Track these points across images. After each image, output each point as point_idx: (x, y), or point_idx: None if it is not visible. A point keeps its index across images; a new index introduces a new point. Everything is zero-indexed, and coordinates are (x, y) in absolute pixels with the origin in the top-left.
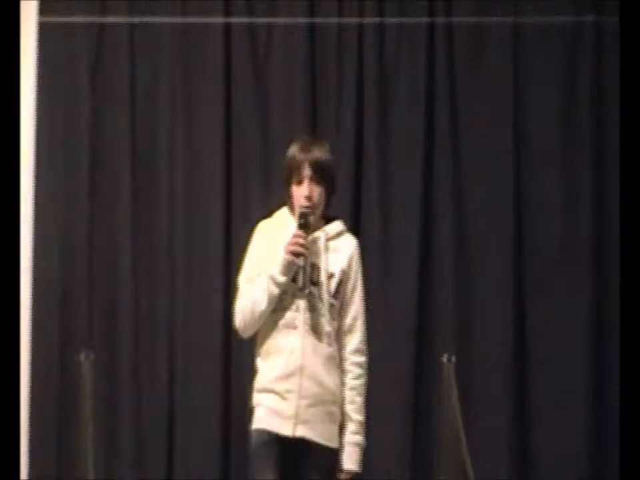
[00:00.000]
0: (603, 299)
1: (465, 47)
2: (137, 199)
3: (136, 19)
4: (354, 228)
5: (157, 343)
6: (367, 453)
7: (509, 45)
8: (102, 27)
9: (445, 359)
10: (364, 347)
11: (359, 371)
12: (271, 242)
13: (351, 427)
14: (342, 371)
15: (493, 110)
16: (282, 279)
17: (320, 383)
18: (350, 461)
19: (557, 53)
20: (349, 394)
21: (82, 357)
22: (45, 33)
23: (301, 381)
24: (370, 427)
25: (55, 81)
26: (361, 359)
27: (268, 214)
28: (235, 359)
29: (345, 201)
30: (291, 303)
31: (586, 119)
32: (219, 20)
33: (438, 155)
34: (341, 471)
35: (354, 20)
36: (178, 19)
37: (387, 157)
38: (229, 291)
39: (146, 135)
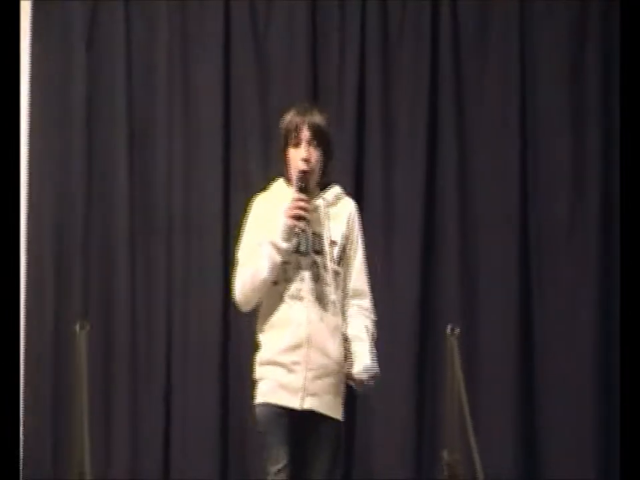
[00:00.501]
0: (609, 278)
1: (470, 21)
2: (135, 173)
3: None
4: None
5: (154, 319)
6: (372, 424)
7: (515, 19)
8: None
9: (448, 330)
10: (372, 308)
11: (371, 318)
12: (268, 213)
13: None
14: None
15: (498, 86)
16: (284, 244)
17: (327, 354)
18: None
19: (563, 28)
20: (359, 329)
21: (77, 327)
22: (38, 6)
23: (308, 352)
24: (374, 402)
25: (49, 56)
26: (371, 316)
27: (263, 188)
28: (234, 333)
29: (347, 176)
30: (295, 273)
31: (594, 97)
32: None
33: (442, 132)
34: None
35: None
36: None
37: (390, 133)
38: (227, 268)
39: (143, 112)
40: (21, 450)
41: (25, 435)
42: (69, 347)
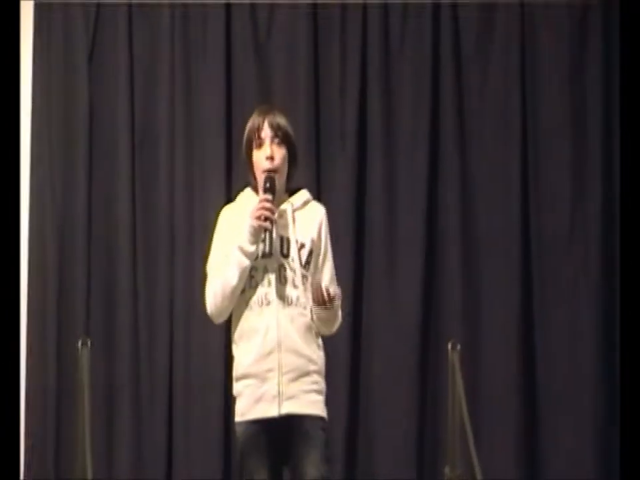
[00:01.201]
0: (611, 285)
1: (471, 27)
2: (137, 181)
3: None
4: (358, 217)
5: (157, 328)
6: (372, 443)
7: (516, 24)
8: (99, 6)
9: (449, 346)
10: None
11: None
12: (236, 224)
13: None
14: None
15: (500, 94)
16: (251, 247)
17: (300, 355)
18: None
19: (564, 30)
20: None
21: (79, 343)
22: (41, 13)
23: (280, 356)
24: (376, 417)
25: (52, 62)
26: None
27: (229, 201)
28: None
29: (348, 189)
30: (262, 278)
31: (595, 104)
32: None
33: (444, 139)
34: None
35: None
36: None
37: (392, 143)
38: None
39: (145, 116)
40: (24, 462)
41: (28, 446)
42: (72, 362)
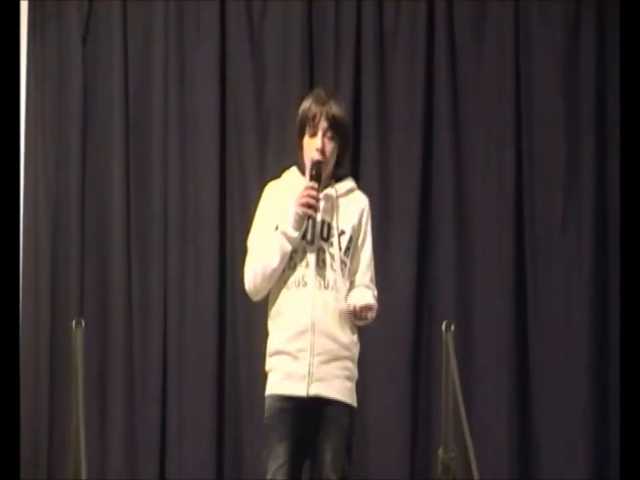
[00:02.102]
0: (603, 272)
1: (465, 16)
2: (130, 166)
3: None
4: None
5: (150, 308)
6: (366, 426)
7: (510, 13)
8: None
9: (443, 326)
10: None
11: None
12: (280, 201)
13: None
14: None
15: (494, 83)
16: (295, 233)
17: (333, 339)
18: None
19: (558, 21)
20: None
21: (73, 323)
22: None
23: (313, 338)
24: (370, 399)
25: (46, 46)
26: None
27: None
28: (228, 326)
29: None
30: (301, 259)
31: (588, 89)
32: None
33: (438, 126)
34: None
35: None
36: None
37: (386, 129)
38: (222, 257)
39: (139, 102)
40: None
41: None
42: (65, 343)
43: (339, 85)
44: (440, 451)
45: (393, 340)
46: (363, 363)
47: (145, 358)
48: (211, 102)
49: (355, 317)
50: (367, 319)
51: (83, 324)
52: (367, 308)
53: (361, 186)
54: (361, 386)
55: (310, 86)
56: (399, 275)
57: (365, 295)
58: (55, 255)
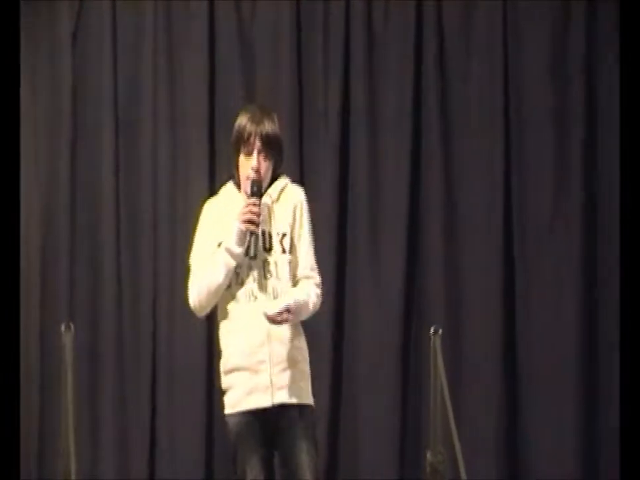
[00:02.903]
0: (592, 269)
1: (453, 17)
2: (120, 166)
3: None
4: (342, 203)
5: (140, 312)
6: (356, 429)
7: (499, 13)
8: None
9: (431, 331)
10: (320, 284)
11: (317, 291)
12: (219, 217)
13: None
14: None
15: (482, 79)
16: (238, 249)
17: (288, 344)
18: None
19: (547, 19)
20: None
21: (63, 327)
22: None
23: (270, 348)
24: (359, 401)
25: (38, 44)
26: (318, 290)
27: (212, 193)
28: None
29: (331, 168)
30: (247, 275)
31: (577, 86)
32: None
33: (426, 125)
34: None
35: None
36: None
37: (375, 124)
38: None
39: (129, 101)
40: None
41: None
42: (55, 347)
43: (327, 76)
44: (428, 453)
45: (382, 343)
46: (353, 365)
47: (134, 356)
48: (200, 100)
49: (273, 323)
50: (287, 321)
51: (72, 328)
52: (280, 313)
53: (351, 195)
54: (351, 388)
55: (299, 85)
56: (388, 278)
57: (280, 301)
58: (44, 256)
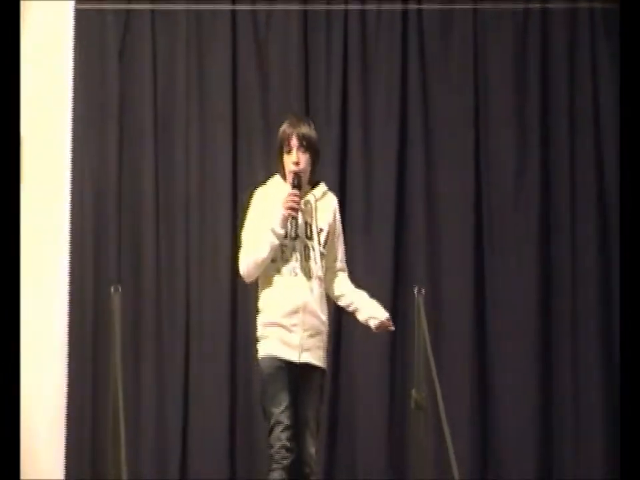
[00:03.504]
0: (548, 236)
1: (433, 29)
2: (159, 157)
3: (156, 6)
4: (341, 185)
5: (176, 277)
6: (352, 375)
7: (470, 25)
8: (128, 12)
9: (415, 290)
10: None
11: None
12: (267, 203)
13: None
14: (339, 292)
15: (457, 82)
16: (281, 230)
17: (317, 317)
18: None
19: (509, 31)
20: (351, 287)
21: (112, 290)
22: (80, 18)
23: (303, 316)
24: (355, 352)
25: (89, 60)
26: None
27: (263, 182)
28: (241, 286)
29: (332, 157)
30: (291, 254)
31: (534, 86)
32: (227, 7)
33: (412, 119)
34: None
35: (340, 7)
36: (192, 6)
37: (368, 120)
38: (234, 229)
39: (165, 108)
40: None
41: (69, 379)
42: (106, 306)
43: (329, 82)
44: (413, 391)
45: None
46: (350, 320)
47: (171, 313)
48: (224, 107)
49: (379, 329)
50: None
51: (120, 289)
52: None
53: (348, 168)
54: (348, 340)
55: (306, 90)
56: (379, 246)
57: (377, 308)
58: (97, 231)
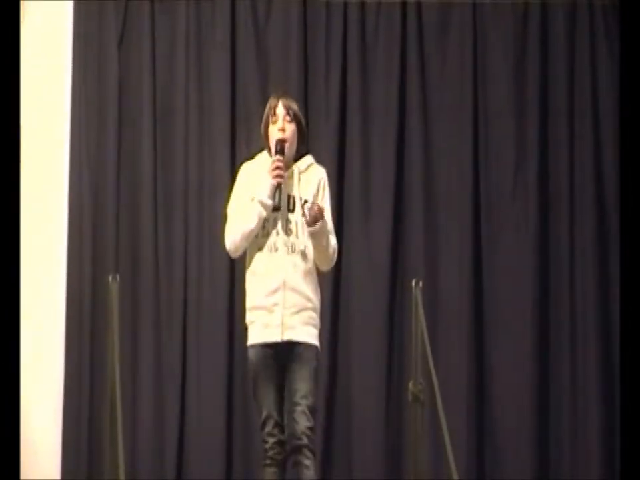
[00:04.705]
0: (545, 234)
1: (432, 22)
2: (157, 146)
3: None
4: (339, 179)
5: (173, 266)
6: (350, 366)
7: (469, 20)
8: (127, 1)
9: (413, 283)
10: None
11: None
12: (254, 176)
13: None
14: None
15: (456, 76)
16: (269, 201)
17: (301, 293)
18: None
19: (509, 25)
20: None
21: (110, 279)
22: (79, 6)
23: (284, 293)
24: (353, 343)
25: (88, 47)
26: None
27: (251, 157)
28: (238, 278)
29: (332, 152)
30: (272, 228)
31: (533, 83)
32: None
33: (409, 114)
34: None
35: None
36: None
37: (367, 116)
38: None
39: (164, 96)
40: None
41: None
42: (104, 294)
43: (328, 77)
44: (410, 384)
45: (373, 294)
46: (349, 313)
47: (169, 302)
48: (224, 96)
49: (311, 214)
50: (319, 220)
51: (118, 278)
52: (319, 209)
53: (347, 164)
54: (347, 332)
55: (305, 80)
56: (377, 238)
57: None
58: (95, 221)
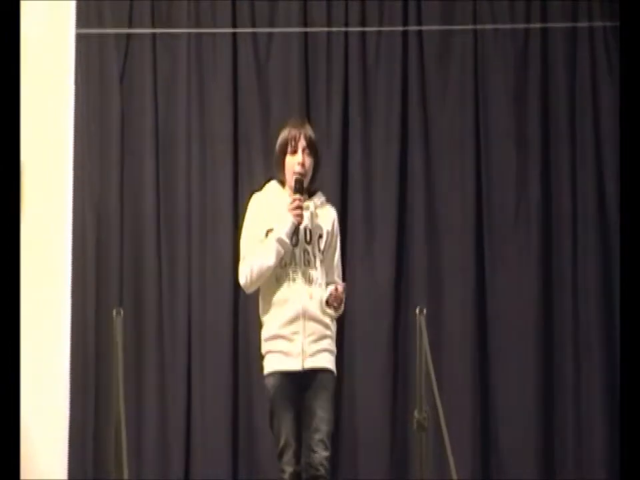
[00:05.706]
0: (548, 256)
1: (433, 49)
2: (160, 178)
3: (157, 30)
4: (342, 204)
5: (177, 298)
6: (355, 396)
7: (470, 46)
8: (129, 36)
9: (417, 311)
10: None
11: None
12: (265, 209)
13: None
14: None
15: (457, 102)
16: (288, 240)
17: (319, 322)
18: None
19: (509, 54)
20: None
21: (114, 312)
22: (81, 42)
23: (304, 322)
24: (356, 372)
25: (90, 82)
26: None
27: (258, 188)
28: (242, 304)
29: (333, 178)
30: (290, 260)
31: (534, 110)
32: (228, 30)
33: (411, 141)
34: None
35: (341, 29)
36: (193, 29)
37: (369, 142)
38: (236, 249)
39: (167, 126)
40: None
41: (73, 392)
42: (107, 328)
43: (330, 104)
44: (415, 412)
45: (376, 321)
46: (352, 341)
47: (173, 334)
48: (225, 125)
49: (333, 300)
50: (339, 305)
51: (122, 312)
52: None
53: (349, 190)
54: (351, 359)
55: (307, 112)
56: (380, 267)
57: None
58: (98, 253)
